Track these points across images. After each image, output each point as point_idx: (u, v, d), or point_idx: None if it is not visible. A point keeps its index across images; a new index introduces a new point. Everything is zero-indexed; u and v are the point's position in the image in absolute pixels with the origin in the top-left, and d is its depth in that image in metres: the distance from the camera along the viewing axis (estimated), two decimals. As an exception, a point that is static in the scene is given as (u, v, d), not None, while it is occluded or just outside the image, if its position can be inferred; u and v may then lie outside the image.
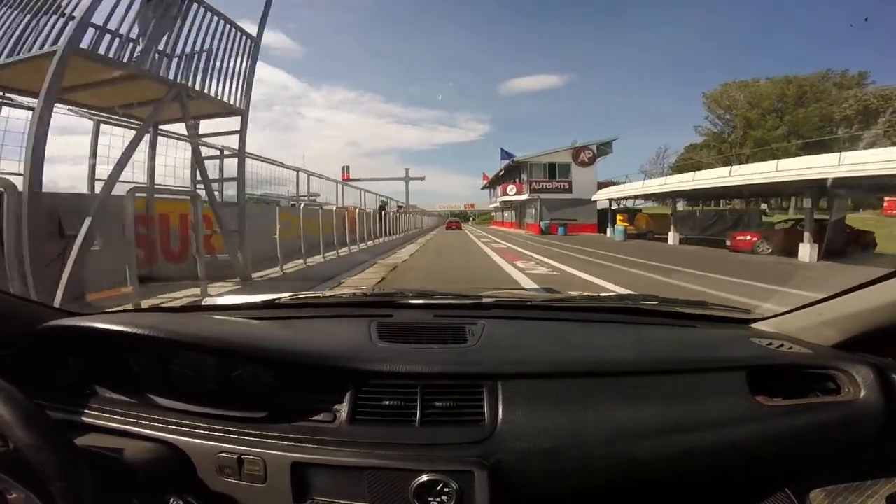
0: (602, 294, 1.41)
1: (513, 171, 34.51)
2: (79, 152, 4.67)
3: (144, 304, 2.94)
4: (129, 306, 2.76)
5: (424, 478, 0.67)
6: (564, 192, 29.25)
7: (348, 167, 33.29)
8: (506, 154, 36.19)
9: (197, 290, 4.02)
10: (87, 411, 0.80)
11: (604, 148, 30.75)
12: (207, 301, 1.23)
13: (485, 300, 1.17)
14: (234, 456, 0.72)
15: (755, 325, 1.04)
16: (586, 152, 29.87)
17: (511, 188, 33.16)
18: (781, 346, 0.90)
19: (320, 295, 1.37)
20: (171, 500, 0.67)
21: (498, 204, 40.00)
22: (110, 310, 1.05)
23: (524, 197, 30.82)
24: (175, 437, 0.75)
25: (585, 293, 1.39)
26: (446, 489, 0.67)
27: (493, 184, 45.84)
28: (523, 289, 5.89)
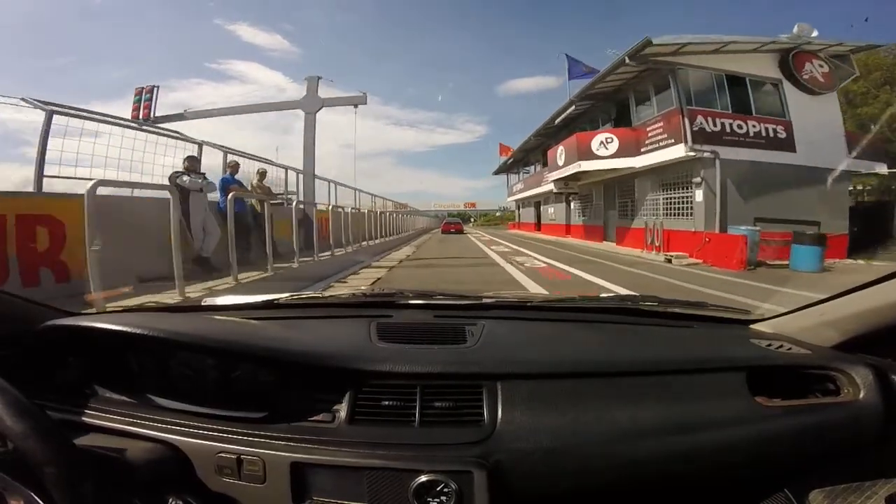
0: (602, 294, 1.42)
1: (607, 104, 14.88)
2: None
3: (144, 303, 2.93)
4: (130, 306, 2.76)
5: (423, 478, 0.67)
6: (777, 146, 11.08)
7: (154, 90, 12.68)
8: (580, 66, 17.13)
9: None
10: (86, 411, 0.80)
11: (840, 64, 11.96)
12: (207, 301, 1.23)
13: (485, 300, 1.17)
14: (234, 456, 0.72)
15: (755, 326, 1.04)
16: (815, 62, 11.52)
17: (602, 143, 13.29)
18: (781, 346, 0.90)
19: (320, 295, 1.37)
20: (171, 500, 0.67)
21: (546, 189, 20.01)
22: (110, 310, 1.05)
23: (668, 155, 11.47)
24: (174, 437, 0.75)
25: (585, 294, 1.39)
26: (445, 489, 0.67)
27: (522, 158, 26.64)
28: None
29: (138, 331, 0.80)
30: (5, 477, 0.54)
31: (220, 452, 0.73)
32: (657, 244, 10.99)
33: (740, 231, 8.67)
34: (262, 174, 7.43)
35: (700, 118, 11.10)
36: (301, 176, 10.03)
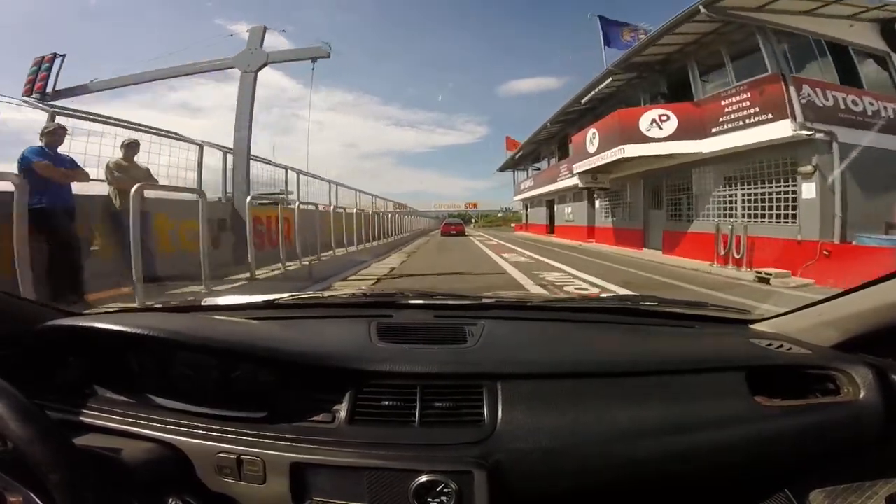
0: (602, 295, 1.42)
1: (653, 76, 11.59)
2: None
3: (144, 304, 2.94)
4: (129, 306, 2.77)
5: (424, 478, 0.67)
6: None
7: (56, 59, 8.96)
8: (620, 31, 13.87)
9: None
10: (86, 411, 0.80)
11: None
12: (207, 301, 1.24)
13: (485, 301, 1.17)
14: (234, 456, 0.72)
15: (755, 326, 1.04)
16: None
17: (654, 121, 9.92)
18: (781, 346, 0.90)
19: (320, 295, 1.37)
20: (171, 501, 0.67)
21: (564, 184, 17.26)
22: (110, 310, 1.05)
23: (760, 136, 8.11)
24: (174, 437, 0.75)
25: (586, 294, 1.40)
26: (445, 489, 0.67)
27: (532, 152, 23.98)
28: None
29: (138, 331, 0.80)
30: (5, 477, 0.54)
31: (220, 453, 0.73)
32: (737, 256, 7.67)
33: (881, 242, 6.16)
34: (131, 147, 4.61)
35: (807, 88, 7.85)
36: (231, 156, 7.12)
